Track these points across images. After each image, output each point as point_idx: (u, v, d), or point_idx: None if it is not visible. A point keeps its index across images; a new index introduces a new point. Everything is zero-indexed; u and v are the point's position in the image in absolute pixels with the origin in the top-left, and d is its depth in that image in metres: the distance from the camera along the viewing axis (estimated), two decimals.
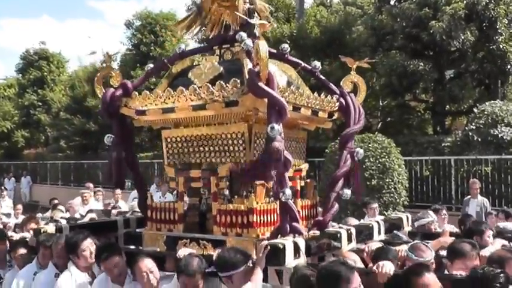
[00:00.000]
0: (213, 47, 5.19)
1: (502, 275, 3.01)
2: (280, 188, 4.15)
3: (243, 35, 4.67)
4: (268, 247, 3.77)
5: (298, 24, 19.39)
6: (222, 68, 4.77)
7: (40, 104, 35.16)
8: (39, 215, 8.74)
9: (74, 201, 10.39)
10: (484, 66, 15.16)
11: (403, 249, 4.00)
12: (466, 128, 13.64)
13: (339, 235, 4.32)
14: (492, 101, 13.54)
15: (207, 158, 4.76)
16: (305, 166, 5.19)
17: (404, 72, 14.82)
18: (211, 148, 4.73)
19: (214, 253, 4.12)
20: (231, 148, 4.63)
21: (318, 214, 5.17)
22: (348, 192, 4.94)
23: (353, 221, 5.57)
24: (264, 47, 4.12)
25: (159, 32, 25.69)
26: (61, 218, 7.39)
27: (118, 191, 11.53)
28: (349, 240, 4.42)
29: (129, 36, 26.95)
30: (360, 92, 5.38)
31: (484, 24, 14.65)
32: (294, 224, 4.25)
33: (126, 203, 11.54)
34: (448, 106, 17.08)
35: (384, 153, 11.44)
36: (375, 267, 3.45)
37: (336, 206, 4.94)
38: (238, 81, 4.27)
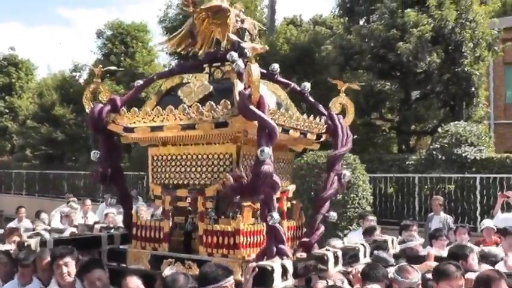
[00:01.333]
0: (203, 65, 5.19)
1: None
2: (268, 211, 4.15)
3: (234, 55, 4.65)
4: (256, 269, 3.75)
5: (268, 41, 19.57)
6: (212, 87, 4.77)
7: (7, 111, 34.59)
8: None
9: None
10: (449, 88, 15.54)
11: (390, 271, 4.01)
12: (431, 146, 14.03)
13: (325, 257, 4.32)
14: (456, 122, 13.99)
15: (194, 178, 4.73)
16: (292, 187, 5.20)
17: (371, 91, 15.10)
18: (199, 168, 4.71)
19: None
20: (219, 169, 4.61)
21: (304, 235, 5.18)
22: (334, 214, 4.96)
23: (338, 243, 5.58)
24: (256, 70, 4.13)
25: (130, 43, 25.53)
26: (43, 229, 7.28)
27: (88, 202, 11.49)
28: (336, 262, 4.42)
29: (99, 46, 26.78)
30: (348, 113, 5.42)
31: (450, 47, 15.02)
32: (281, 246, 4.25)
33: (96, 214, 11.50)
34: (413, 126, 17.50)
35: (350, 170, 11.59)
36: None
37: (322, 228, 4.95)
38: (229, 102, 4.27)
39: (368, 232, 6.75)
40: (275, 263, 3.84)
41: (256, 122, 4.13)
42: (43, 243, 5.09)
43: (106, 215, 9.63)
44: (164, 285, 3.94)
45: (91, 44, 57.38)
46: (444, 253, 5.51)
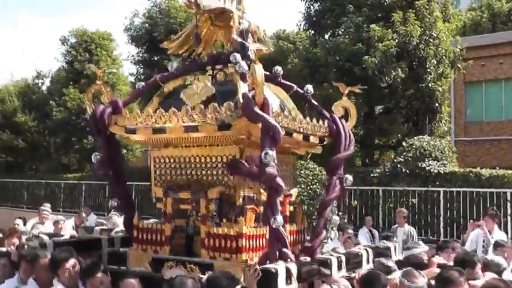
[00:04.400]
0: (205, 67, 5.16)
1: None
2: (271, 214, 4.12)
3: (237, 56, 4.64)
4: (260, 272, 3.72)
5: None
6: (214, 89, 4.73)
7: None
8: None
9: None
10: (412, 103, 15.71)
11: (395, 276, 3.97)
12: (395, 160, 14.25)
13: (329, 262, 4.28)
14: (420, 136, 14.17)
15: (196, 180, 4.70)
16: (294, 191, 5.16)
17: None
18: (202, 170, 4.68)
19: (203, 277, 4.05)
20: (222, 171, 4.58)
21: (305, 240, 5.15)
22: (336, 218, 4.94)
23: (341, 249, 5.54)
24: (260, 71, 4.10)
25: (94, 51, 25.08)
26: (40, 233, 7.21)
27: (47, 206, 10.88)
28: (339, 267, 4.38)
29: (63, 53, 26.32)
30: (351, 117, 5.39)
31: (414, 63, 15.17)
32: (284, 249, 4.22)
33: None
34: (376, 140, 17.53)
35: (315, 180, 11.89)
36: None
37: (324, 232, 4.93)
38: (232, 104, 4.24)
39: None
40: (279, 266, 3.81)
41: (260, 124, 4.11)
42: (43, 245, 5.04)
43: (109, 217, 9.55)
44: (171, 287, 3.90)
45: (55, 51, 55.89)
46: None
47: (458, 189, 12.82)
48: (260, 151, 4.14)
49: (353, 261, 4.62)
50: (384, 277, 3.88)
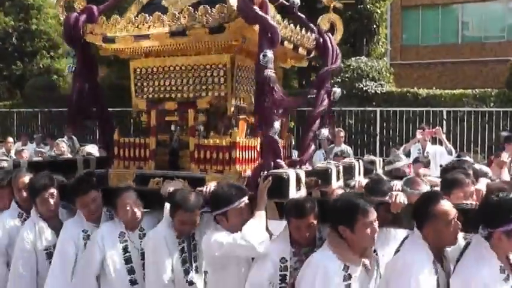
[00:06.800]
0: None
1: None
2: (267, 122, 3.93)
3: None
4: (270, 179, 3.57)
5: None
6: None
7: None
8: None
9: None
10: (350, 24, 15.60)
11: (396, 183, 3.92)
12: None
13: (329, 171, 4.18)
14: (358, 57, 14.21)
15: (183, 91, 4.44)
16: None
17: None
18: (188, 80, 4.41)
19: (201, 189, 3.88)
20: (210, 80, 4.33)
21: (292, 155, 5.03)
22: (325, 132, 4.82)
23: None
24: None
25: None
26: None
27: (10, 139, 11.04)
28: (338, 177, 4.30)
29: None
30: (337, 31, 5.23)
31: None
32: (278, 160, 4.07)
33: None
34: (313, 61, 17.62)
35: None
36: (387, 198, 3.34)
37: (313, 146, 4.81)
38: (226, 5, 3.96)
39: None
40: (290, 171, 3.66)
41: (256, 27, 3.87)
42: (17, 165, 4.70)
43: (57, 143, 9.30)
44: (173, 202, 3.71)
45: None
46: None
47: (394, 108, 13.22)
48: (252, 59, 3.92)
49: (347, 172, 4.55)
50: (388, 182, 3.83)
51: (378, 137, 13.39)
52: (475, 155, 12.46)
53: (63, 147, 10.51)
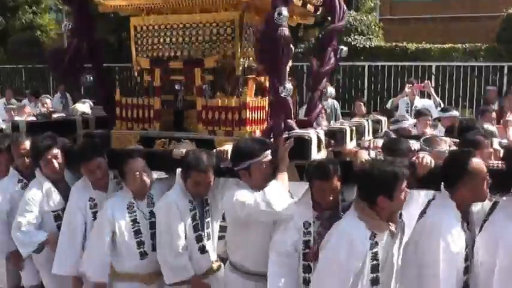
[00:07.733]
0: None
1: None
2: (279, 82, 3.80)
3: None
4: (292, 140, 3.48)
5: None
6: None
7: None
8: None
9: None
10: None
11: (413, 143, 3.84)
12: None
13: (344, 131, 4.09)
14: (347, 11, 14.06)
15: (188, 50, 4.26)
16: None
17: None
18: (194, 38, 4.23)
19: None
20: (218, 38, 4.16)
21: (297, 114, 4.94)
22: (331, 90, 4.73)
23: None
24: None
25: None
26: None
27: None
28: (351, 138, 4.22)
29: None
30: None
31: None
32: (288, 121, 3.97)
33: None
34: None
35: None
36: (414, 159, 3.27)
37: (320, 105, 4.71)
38: None
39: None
40: (312, 132, 3.57)
41: None
42: (16, 127, 4.52)
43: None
44: (185, 164, 3.60)
45: None
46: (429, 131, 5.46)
47: (383, 63, 13.15)
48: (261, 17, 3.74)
49: (358, 132, 4.47)
50: (406, 141, 3.75)
51: (365, 92, 13.33)
52: (463, 109, 12.54)
53: (47, 103, 10.31)
